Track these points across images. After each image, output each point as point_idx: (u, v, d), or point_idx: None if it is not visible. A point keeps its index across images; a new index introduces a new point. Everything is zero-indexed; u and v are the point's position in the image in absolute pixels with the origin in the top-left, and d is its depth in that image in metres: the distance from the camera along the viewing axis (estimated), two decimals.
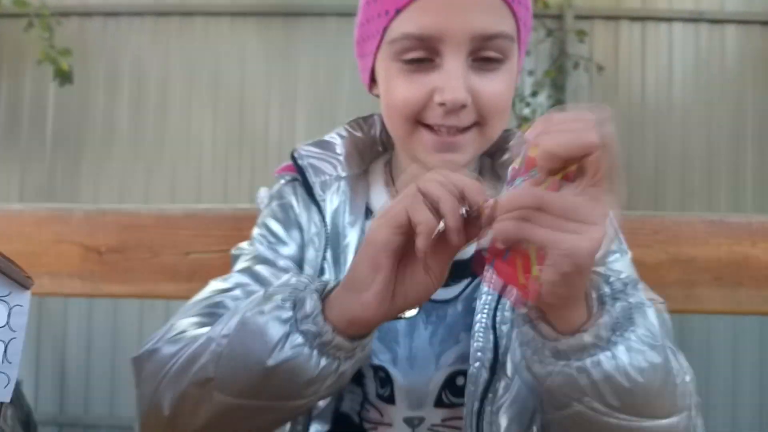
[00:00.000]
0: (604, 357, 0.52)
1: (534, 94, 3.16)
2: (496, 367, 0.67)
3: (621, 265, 0.74)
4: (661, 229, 1.07)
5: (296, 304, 0.57)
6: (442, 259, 0.55)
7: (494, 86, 0.68)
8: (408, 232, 0.53)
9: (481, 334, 0.68)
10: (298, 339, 0.55)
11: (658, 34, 3.27)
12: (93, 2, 3.31)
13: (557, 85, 3.19)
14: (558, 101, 3.19)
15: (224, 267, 1.14)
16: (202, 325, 0.67)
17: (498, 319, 0.69)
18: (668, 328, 0.66)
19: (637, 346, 0.52)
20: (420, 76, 0.68)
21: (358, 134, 0.83)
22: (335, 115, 3.18)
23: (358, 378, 0.72)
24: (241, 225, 1.14)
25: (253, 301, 0.60)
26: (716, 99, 3.22)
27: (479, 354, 0.68)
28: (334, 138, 0.82)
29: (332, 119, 3.23)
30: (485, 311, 0.69)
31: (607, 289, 0.56)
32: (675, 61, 3.26)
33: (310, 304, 0.56)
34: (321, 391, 0.58)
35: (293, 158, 0.80)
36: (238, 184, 3.22)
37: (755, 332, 3.13)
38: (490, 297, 0.70)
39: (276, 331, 0.56)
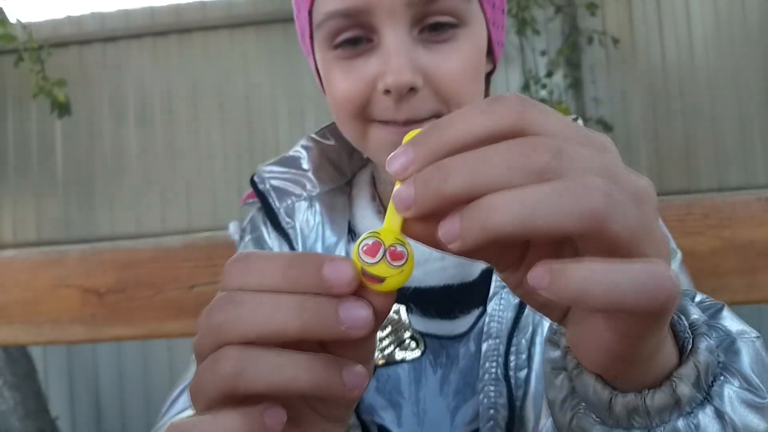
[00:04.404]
0: (704, 416, 0.34)
1: (549, 74, 3.03)
2: (513, 425, 0.55)
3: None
4: (711, 212, 0.95)
5: None
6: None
7: (450, 60, 0.54)
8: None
9: (491, 387, 0.55)
10: None
11: None
12: (90, 29, 3.26)
13: (572, 63, 3.05)
14: (575, 79, 3.05)
15: None
16: None
17: (512, 364, 0.55)
18: None
19: (739, 402, 0.34)
20: (359, 62, 0.55)
21: (329, 142, 0.70)
22: None
23: None
24: None
25: None
26: (742, 60, 3.05)
27: (491, 411, 0.55)
28: (298, 152, 0.70)
29: None
30: (493, 358, 0.55)
31: (696, 314, 0.37)
32: (694, 25, 3.09)
33: None
34: None
35: (253, 183, 0.68)
36: None
37: None
38: (497, 340, 0.56)
39: None
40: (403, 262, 0.30)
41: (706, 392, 0.34)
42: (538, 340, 0.56)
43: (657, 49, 3.11)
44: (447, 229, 0.27)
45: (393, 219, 0.31)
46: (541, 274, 0.26)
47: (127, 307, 1.09)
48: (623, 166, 0.29)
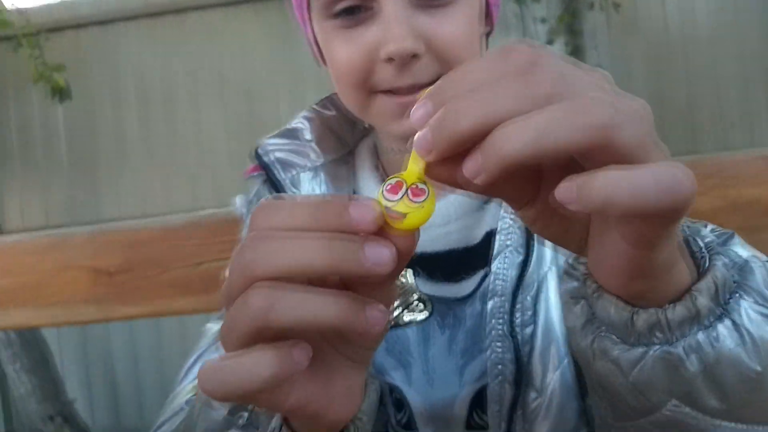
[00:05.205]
0: (723, 328, 0.35)
1: (550, 42, 3.00)
2: (521, 379, 0.56)
3: None
4: (715, 172, 0.95)
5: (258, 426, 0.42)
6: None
7: (450, 24, 0.54)
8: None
9: (498, 344, 0.56)
10: None
11: None
12: (84, 12, 3.24)
13: (573, 30, 3.02)
14: (576, 47, 3.02)
15: None
16: None
17: (518, 321, 0.57)
18: None
19: (755, 315, 0.35)
20: (359, 31, 0.55)
21: (331, 113, 0.70)
22: None
23: (380, 396, 0.60)
24: None
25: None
26: (744, 22, 3.01)
27: (499, 367, 0.56)
28: (301, 123, 0.70)
29: None
30: (499, 315, 0.57)
31: (710, 237, 0.38)
32: None
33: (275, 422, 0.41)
34: None
35: (257, 155, 0.68)
36: None
37: None
38: (502, 298, 0.57)
39: None
40: (423, 198, 0.32)
41: (723, 307, 0.35)
42: (542, 297, 0.57)
43: (659, 12, 3.07)
44: (470, 165, 0.29)
45: (415, 165, 0.32)
46: (568, 188, 0.27)
47: (135, 286, 1.10)
48: (620, 91, 0.30)
